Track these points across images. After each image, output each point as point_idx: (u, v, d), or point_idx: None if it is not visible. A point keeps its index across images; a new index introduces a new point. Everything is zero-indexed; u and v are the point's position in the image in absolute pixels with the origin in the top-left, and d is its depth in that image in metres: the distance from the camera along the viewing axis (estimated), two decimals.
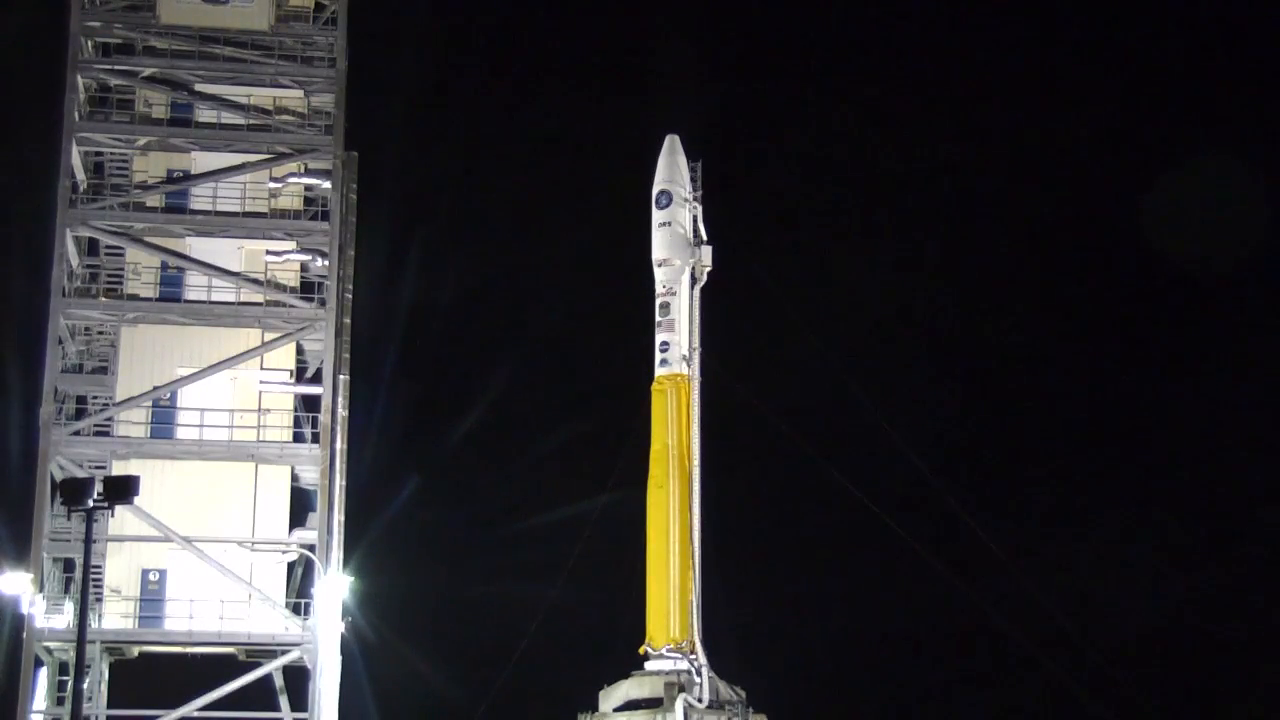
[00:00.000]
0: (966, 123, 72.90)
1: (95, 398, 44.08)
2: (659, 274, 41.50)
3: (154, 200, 43.83)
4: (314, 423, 42.63)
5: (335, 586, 41.37)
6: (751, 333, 50.21)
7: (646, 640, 39.25)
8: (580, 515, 42.34)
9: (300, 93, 44.70)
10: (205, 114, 44.31)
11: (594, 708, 39.26)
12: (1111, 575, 57.57)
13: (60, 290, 41.97)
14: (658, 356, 40.94)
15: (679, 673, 38.41)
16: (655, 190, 41.84)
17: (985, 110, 73.77)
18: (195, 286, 43.44)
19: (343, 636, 41.64)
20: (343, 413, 43.09)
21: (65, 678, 40.57)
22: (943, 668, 57.22)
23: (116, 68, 43.91)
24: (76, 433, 41.80)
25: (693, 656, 38.52)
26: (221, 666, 41.77)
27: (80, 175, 43.76)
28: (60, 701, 41.02)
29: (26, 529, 40.55)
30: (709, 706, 37.93)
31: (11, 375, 46.21)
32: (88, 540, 31.02)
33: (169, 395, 42.47)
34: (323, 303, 43.18)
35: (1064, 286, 70.65)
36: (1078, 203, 72.64)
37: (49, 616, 40.68)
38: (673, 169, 41.93)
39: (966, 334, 67.14)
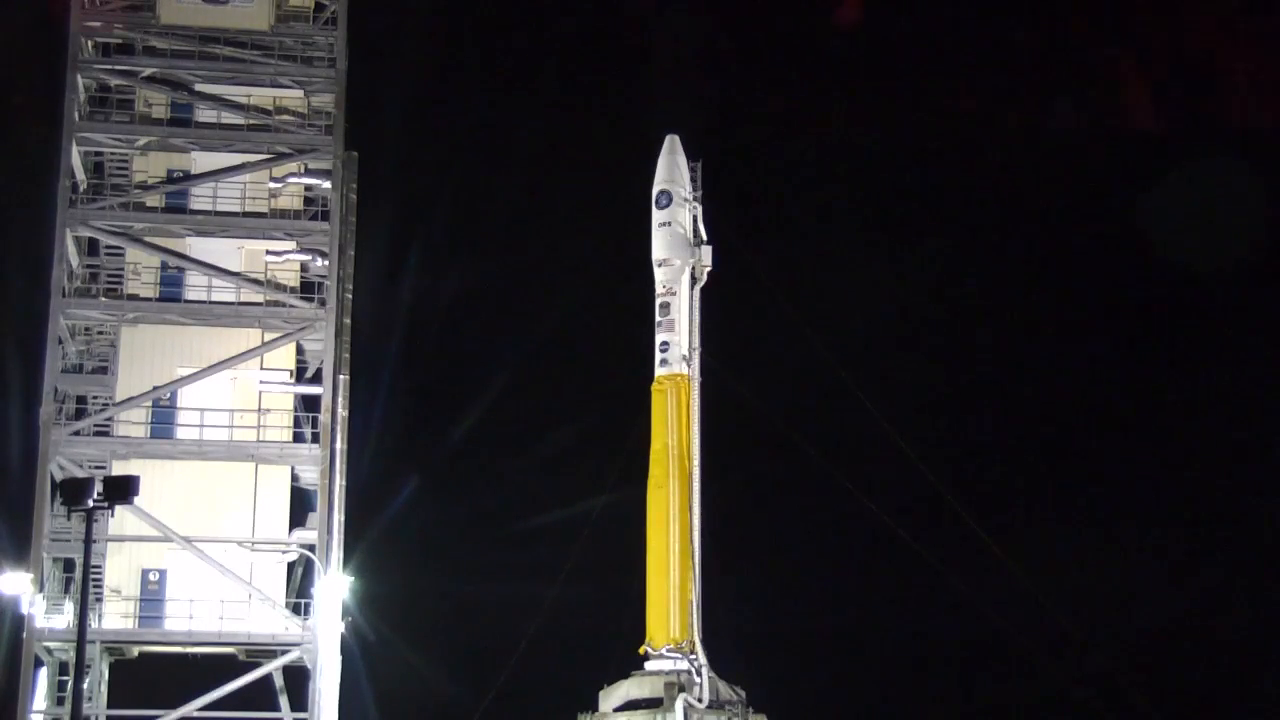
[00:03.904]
0: (966, 122, 72.88)
1: (95, 398, 44.07)
2: (659, 274, 41.49)
3: (154, 200, 43.86)
4: (314, 423, 42.66)
5: (335, 586, 41.40)
6: (751, 333, 50.20)
7: (646, 640, 39.24)
8: (580, 515, 42.36)
9: (300, 93, 44.72)
10: (205, 114, 44.34)
11: (594, 708, 39.26)
12: (1112, 575, 57.57)
13: (60, 290, 42.00)
14: (658, 356, 40.93)
15: (679, 673, 38.40)
16: (655, 190, 41.84)
17: (985, 110, 73.75)
18: (195, 286, 43.47)
19: (343, 636, 41.67)
20: (343, 413, 43.09)
21: (65, 678, 40.57)
22: (943, 668, 57.23)
23: (116, 68, 43.94)
24: (76, 433, 41.83)
25: (693, 656, 38.51)
26: (221, 666, 41.79)
27: (80, 175, 43.78)
28: (60, 701, 41.03)
29: (26, 529, 40.60)
30: (709, 706, 37.92)
31: (11, 375, 46.28)
32: (88, 540, 31.06)
33: (169, 395, 42.50)
34: (323, 303, 43.21)
35: (1064, 286, 70.60)
36: (1078, 202, 72.61)
37: (49, 616, 40.70)
38: (673, 169, 41.92)
39: (967, 334, 67.10)
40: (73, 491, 31.15)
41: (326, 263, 43.40)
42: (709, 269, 41.63)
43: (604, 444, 44.53)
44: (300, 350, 44.09)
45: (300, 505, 43.16)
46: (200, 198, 43.83)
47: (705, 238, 41.84)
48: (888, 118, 71.72)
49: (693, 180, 41.96)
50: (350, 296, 44.17)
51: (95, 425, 42.23)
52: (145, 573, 41.50)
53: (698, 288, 41.59)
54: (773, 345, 49.86)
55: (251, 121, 44.37)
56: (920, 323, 66.76)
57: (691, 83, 64.72)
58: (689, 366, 40.80)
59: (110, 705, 42.20)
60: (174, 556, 41.33)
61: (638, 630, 39.45)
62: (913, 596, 52.44)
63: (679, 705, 37.58)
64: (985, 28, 74.45)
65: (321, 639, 40.88)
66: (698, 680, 38.08)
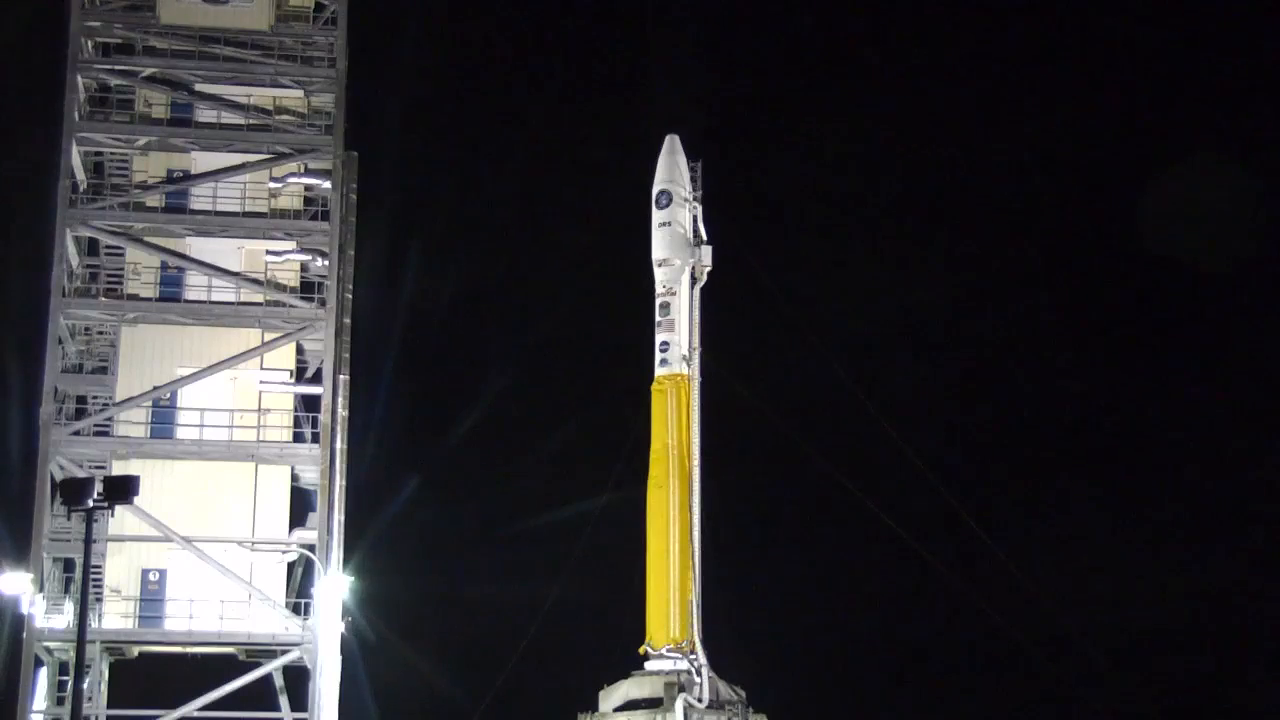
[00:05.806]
0: (966, 122, 72.97)
1: (95, 398, 44.08)
2: (659, 274, 41.51)
3: (154, 200, 43.85)
4: (314, 423, 42.65)
5: (335, 586, 41.38)
6: (751, 333, 50.24)
7: (646, 640, 39.25)
8: (580, 515, 42.37)
9: (300, 93, 44.72)
10: (205, 114, 44.32)
11: (594, 708, 39.27)
12: (1112, 574, 57.61)
13: (60, 290, 41.99)
14: (658, 356, 40.95)
15: (679, 673, 38.42)
16: (655, 190, 41.85)
17: (985, 110, 73.84)
18: (195, 286, 43.46)
19: (343, 636, 41.66)
20: (343, 413, 43.08)
21: (65, 678, 40.60)
22: (943, 667, 57.24)
23: (116, 68, 43.93)
24: (76, 433, 41.82)
25: (693, 656, 38.53)
26: (221, 666, 41.79)
27: (80, 175, 43.77)
28: (60, 701, 41.05)
29: (26, 529, 40.60)
30: (709, 706, 37.93)
31: (11, 375, 46.29)
32: (88, 540, 31.05)
33: (169, 395, 42.49)
34: (323, 303, 43.20)
35: (1064, 286, 70.70)
36: (1077, 202, 72.69)
37: (49, 616, 40.69)
38: (673, 169, 41.94)
39: (966, 333, 67.17)
40: (73, 491, 31.14)
41: (326, 263, 43.39)
42: (709, 269, 41.64)
43: (604, 444, 44.58)
44: (300, 350, 44.08)
45: (300, 505, 43.15)
46: (200, 198, 43.81)
47: (705, 238, 41.85)
48: (887, 117, 71.84)
49: (693, 180, 41.98)
50: (350, 296, 44.15)
51: (95, 425, 42.21)
52: (145, 573, 41.48)
53: (698, 288, 41.60)
54: (773, 345, 49.94)
55: (251, 121, 44.36)
56: (920, 322, 66.86)
57: (691, 83, 64.72)
58: (689, 366, 40.81)
59: (110, 705, 42.18)
60: (174, 556, 41.32)
61: (638, 630, 39.44)
62: (913, 596, 52.52)
63: (679, 705, 37.59)
64: (985, 27, 74.54)
65: (321, 639, 40.86)
66: (698, 680, 38.10)
